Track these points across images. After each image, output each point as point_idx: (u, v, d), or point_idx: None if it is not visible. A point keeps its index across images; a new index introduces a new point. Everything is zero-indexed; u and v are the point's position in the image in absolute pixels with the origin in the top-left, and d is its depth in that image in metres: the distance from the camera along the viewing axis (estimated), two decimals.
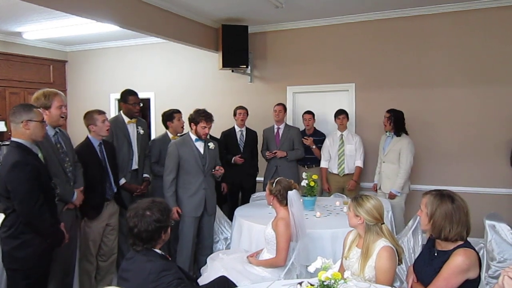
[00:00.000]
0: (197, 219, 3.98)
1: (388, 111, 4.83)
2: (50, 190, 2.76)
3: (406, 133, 4.80)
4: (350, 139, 5.17)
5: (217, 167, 4.06)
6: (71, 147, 3.40)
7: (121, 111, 4.36)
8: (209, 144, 4.04)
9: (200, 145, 4.00)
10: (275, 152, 5.24)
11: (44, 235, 2.64)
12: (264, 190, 4.83)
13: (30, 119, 2.63)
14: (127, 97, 4.29)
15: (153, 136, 6.47)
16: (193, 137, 3.99)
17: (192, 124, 3.96)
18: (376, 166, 5.09)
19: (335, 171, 5.19)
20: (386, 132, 4.87)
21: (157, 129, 6.82)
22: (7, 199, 2.58)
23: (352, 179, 5.12)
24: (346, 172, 5.15)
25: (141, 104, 4.53)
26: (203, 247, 4.11)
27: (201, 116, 3.90)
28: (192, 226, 3.94)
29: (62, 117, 3.21)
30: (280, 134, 5.37)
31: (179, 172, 3.93)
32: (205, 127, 3.91)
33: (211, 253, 3.95)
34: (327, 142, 5.29)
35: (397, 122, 4.75)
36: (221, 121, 5.52)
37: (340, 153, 5.17)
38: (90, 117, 3.63)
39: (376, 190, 4.98)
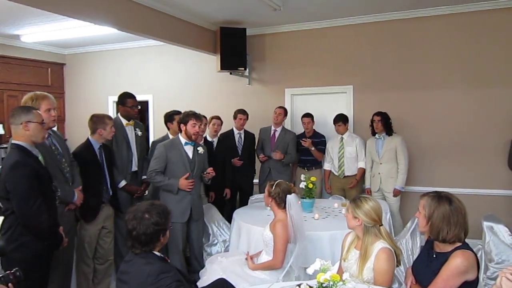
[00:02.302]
0: (184, 225, 3.90)
1: (378, 114, 4.95)
2: (50, 193, 2.76)
3: (394, 132, 4.98)
4: (350, 141, 5.19)
5: (208, 169, 3.99)
6: (66, 147, 3.38)
7: (119, 114, 4.35)
8: (198, 148, 3.96)
9: (189, 149, 3.90)
10: (269, 157, 5.26)
11: (41, 236, 2.64)
12: (261, 192, 4.85)
13: (29, 120, 2.64)
14: (125, 100, 4.29)
15: (151, 139, 6.48)
16: (183, 140, 3.89)
17: (182, 125, 3.86)
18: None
19: (336, 173, 5.23)
20: (376, 134, 4.98)
21: (155, 131, 6.82)
22: (7, 200, 2.59)
23: (355, 178, 5.13)
24: (346, 174, 5.17)
25: (139, 107, 4.52)
26: (193, 252, 4.07)
27: (190, 115, 3.83)
28: (180, 231, 3.85)
29: (53, 120, 3.17)
30: (276, 137, 5.39)
31: (166, 176, 3.83)
32: (195, 124, 3.81)
33: (202, 257, 3.95)
34: (329, 144, 5.34)
35: (387, 123, 4.93)
36: None
37: (340, 155, 5.20)
38: (101, 121, 3.63)
39: (371, 193, 4.99)
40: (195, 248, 4.06)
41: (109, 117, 3.74)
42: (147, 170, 3.91)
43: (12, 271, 1.95)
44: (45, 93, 3.17)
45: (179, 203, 3.83)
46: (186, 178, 3.80)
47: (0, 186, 2.59)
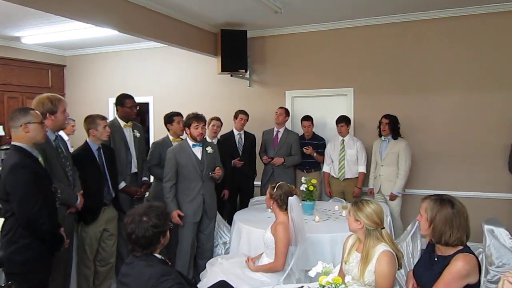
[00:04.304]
0: (196, 224, 3.97)
1: (386, 117, 4.93)
2: (50, 194, 2.76)
3: (401, 136, 4.94)
4: (351, 144, 5.20)
5: (216, 169, 4.03)
6: (69, 151, 3.41)
7: (117, 115, 4.35)
8: (207, 148, 4.01)
9: (197, 150, 3.96)
10: (272, 158, 5.27)
11: (42, 238, 2.63)
12: (262, 194, 4.85)
13: (28, 121, 2.64)
14: (124, 101, 4.28)
15: (152, 140, 6.47)
16: (190, 142, 3.96)
17: (186, 128, 3.95)
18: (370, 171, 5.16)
19: (336, 176, 5.23)
20: (382, 136, 4.99)
21: (156, 133, 6.82)
22: (7, 202, 2.59)
23: (357, 187, 5.14)
24: (347, 176, 5.17)
25: (138, 107, 4.52)
26: (203, 251, 4.10)
27: (192, 117, 3.90)
28: (191, 231, 3.93)
29: (69, 121, 3.24)
30: (279, 138, 5.40)
31: (178, 178, 3.91)
32: (197, 126, 3.87)
33: (211, 257, 3.94)
34: (329, 147, 5.35)
35: (394, 127, 4.90)
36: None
37: (341, 158, 5.20)
38: (92, 121, 3.61)
39: (373, 195, 5.01)
40: (206, 248, 4.09)
41: (102, 117, 3.68)
42: (163, 177, 3.95)
43: (8, 284, 1.93)
44: (59, 96, 3.23)
45: (191, 203, 3.90)
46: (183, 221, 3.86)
47: (0, 188, 2.59)
